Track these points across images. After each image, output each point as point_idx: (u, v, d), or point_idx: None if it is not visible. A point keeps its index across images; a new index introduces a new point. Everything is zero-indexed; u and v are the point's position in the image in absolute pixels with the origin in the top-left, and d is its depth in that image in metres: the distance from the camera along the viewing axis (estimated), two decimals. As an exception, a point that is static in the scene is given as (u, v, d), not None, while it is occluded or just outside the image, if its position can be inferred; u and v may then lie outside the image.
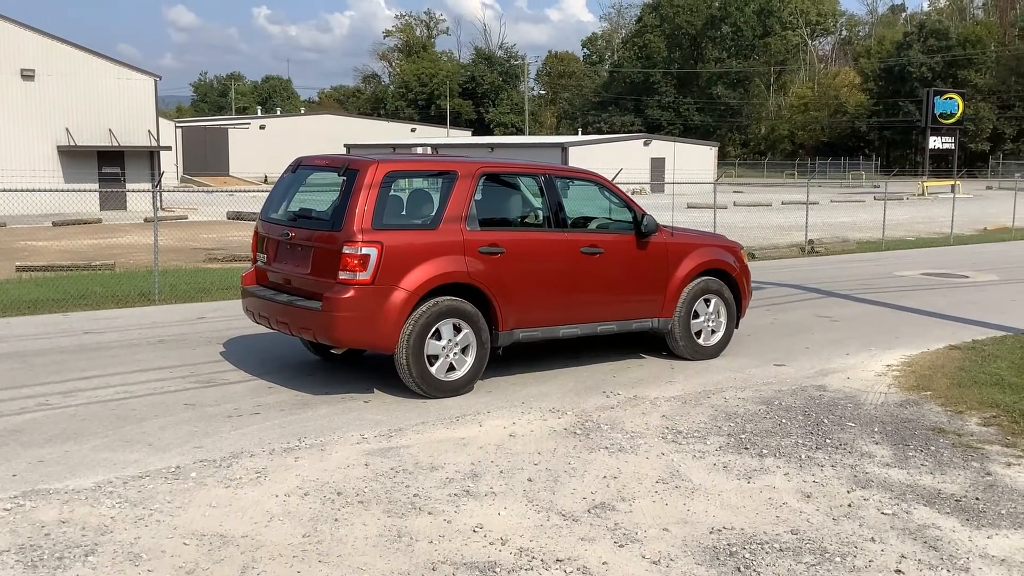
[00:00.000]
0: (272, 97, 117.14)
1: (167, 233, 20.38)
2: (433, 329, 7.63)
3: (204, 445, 6.46)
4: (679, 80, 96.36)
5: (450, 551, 4.77)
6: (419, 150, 58.86)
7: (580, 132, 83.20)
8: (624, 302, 8.81)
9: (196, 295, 13.33)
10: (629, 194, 9.25)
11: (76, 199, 30.32)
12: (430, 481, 5.78)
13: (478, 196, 8.02)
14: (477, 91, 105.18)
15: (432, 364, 7.69)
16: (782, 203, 39.65)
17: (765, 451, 6.44)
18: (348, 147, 64.08)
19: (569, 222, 8.62)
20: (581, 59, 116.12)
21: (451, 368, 7.80)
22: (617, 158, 39.14)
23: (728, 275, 9.52)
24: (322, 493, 5.55)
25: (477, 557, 4.70)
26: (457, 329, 7.76)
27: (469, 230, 7.81)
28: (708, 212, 25.46)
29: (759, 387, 8.26)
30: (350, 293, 7.35)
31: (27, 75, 34.82)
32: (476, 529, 5.05)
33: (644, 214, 8.85)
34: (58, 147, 35.48)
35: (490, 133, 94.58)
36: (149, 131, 37.62)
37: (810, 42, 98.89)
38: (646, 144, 59.52)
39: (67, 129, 35.63)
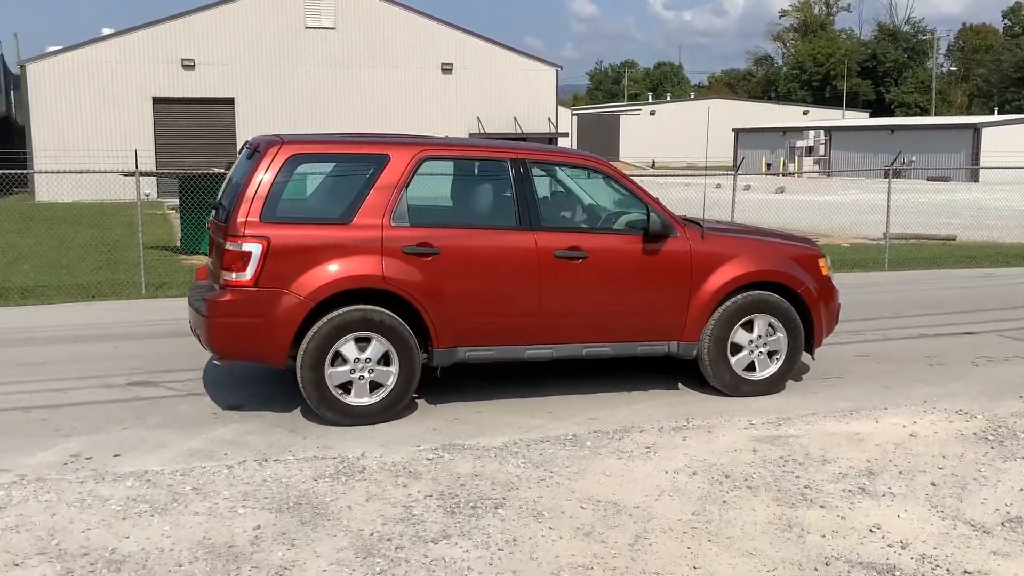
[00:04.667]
0: (663, 83, 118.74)
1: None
2: (338, 343, 6.47)
3: (598, 417, 6.80)
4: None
5: (844, 548, 4.62)
6: (811, 134, 56.84)
7: (996, 112, 75.39)
8: (621, 319, 7.13)
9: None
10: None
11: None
12: (821, 474, 5.62)
13: (413, 185, 6.77)
14: (878, 69, 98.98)
15: (337, 384, 6.52)
16: None
17: None
18: (736, 131, 63.35)
19: (544, 218, 7.04)
20: (1000, 31, 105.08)
21: (369, 390, 6.59)
22: (1041, 140, 34.97)
23: (791, 291, 7.41)
24: (710, 474, 5.61)
25: (874, 558, 4.51)
26: (370, 344, 6.54)
27: (394, 226, 6.57)
28: None
29: None
30: (227, 296, 6.42)
31: (446, 68, 38.31)
32: (873, 529, 4.84)
33: (657, 210, 7.15)
34: (470, 134, 38.68)
35: (890, 114, 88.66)
36: (549, 118, 39.82)
37: None
38: (1079, 124, 52.52)
39: (478, 117, 38.73)
